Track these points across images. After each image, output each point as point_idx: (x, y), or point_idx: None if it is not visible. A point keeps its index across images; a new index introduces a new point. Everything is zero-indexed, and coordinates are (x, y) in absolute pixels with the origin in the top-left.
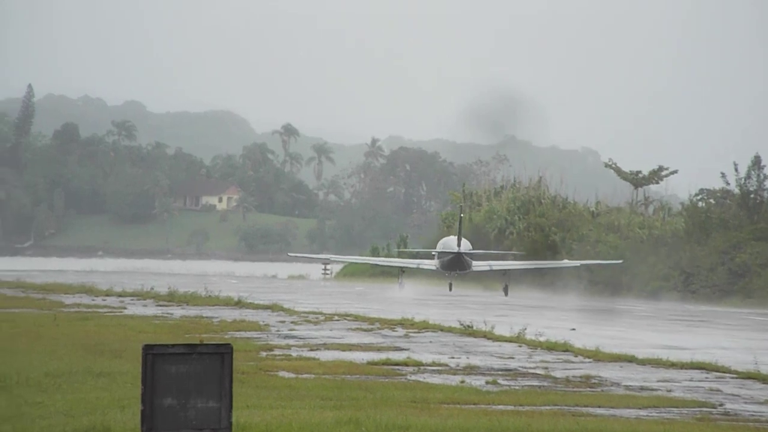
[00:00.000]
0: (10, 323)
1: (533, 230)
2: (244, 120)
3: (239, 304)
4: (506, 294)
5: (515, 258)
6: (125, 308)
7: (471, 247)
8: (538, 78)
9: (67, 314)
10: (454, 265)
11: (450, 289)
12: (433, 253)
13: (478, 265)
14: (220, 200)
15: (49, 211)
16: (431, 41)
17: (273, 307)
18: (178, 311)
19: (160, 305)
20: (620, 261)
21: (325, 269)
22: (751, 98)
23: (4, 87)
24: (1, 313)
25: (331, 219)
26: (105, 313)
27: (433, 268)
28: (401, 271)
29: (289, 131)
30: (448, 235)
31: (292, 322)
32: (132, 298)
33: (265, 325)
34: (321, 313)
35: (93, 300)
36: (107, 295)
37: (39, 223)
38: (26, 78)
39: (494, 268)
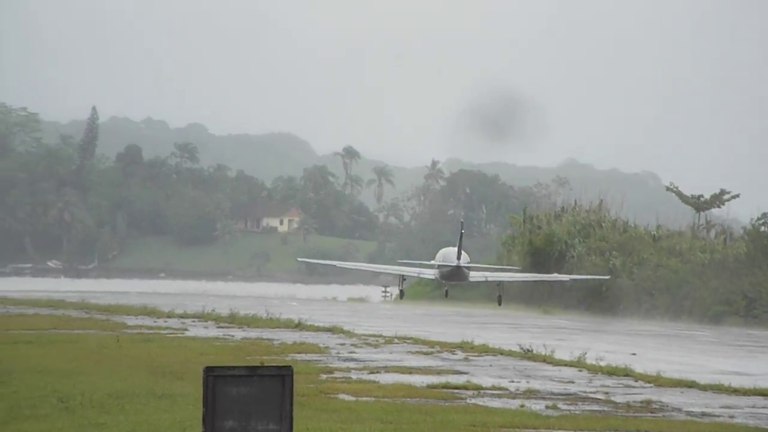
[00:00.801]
0: (74, 344)
1: (594, 254)
2: (305, 142)
3: (300, 326)
4: (500, 304)
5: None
6: (187, 330)
7: (469, 260)
8: (609, 105)
9: (129, 336)
10: (453, 276)
11: (446, 296)
12: (434, 263)
13: (474, 276)
14: (281, 222)
15: (113, 233)
16: (495, 63)
17: (333, 330)
18: (239, 333)
19: (222, 327)
20: (607, 277)
21: (385, 292)
22: None
23: (68, 109)
24: (66, 335)
25: (391, 241)
26: (167, 334)
27: (432, 277)
28: (402, 279)
29: (349, 153)
30: (509, 258)
31: (352, 345)
32: (193, 319)
33: (326, 347)
34: (381, 336)
35: (155, 321)
36: (169, 317)
37: (102, 245)
38: (90, 100)
39: (489, 279)
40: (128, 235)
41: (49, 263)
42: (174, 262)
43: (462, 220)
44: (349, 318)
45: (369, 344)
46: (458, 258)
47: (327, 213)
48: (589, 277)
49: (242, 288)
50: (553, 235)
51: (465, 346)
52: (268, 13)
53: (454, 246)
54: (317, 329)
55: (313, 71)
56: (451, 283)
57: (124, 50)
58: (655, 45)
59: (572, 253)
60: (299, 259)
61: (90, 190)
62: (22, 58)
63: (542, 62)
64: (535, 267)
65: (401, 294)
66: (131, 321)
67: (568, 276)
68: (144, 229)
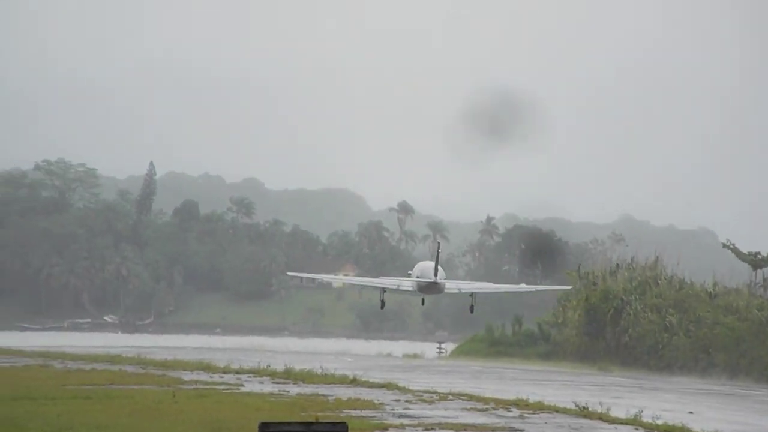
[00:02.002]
0: (130, 399)
1: (650, 311)
2: (360, 197)
3: (354, 382)
4: (472, 312)
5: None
6: (242, 385)
7: (445, 276)
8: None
9: (185, 391)
10: (430, 289)
11: (423, 303)
12: (410, 274)
13: (449, 288)
14: None
15: (169, 288)
16: (549, 122)
17: (388, 386)
18: (294, 389)
19: (277, 382)
20: (570, 287)
21: (440, 348)
22: None
23: (126, 165)
24: (122, 390)
25: (445, 297)
26: (222, 390)
27: (410, 289)
28: (383, 291)
29: (404, 209)
30: (563, 315)
31: (406, 401)
32: (249, 375)
33: (380, 403)
34: (435, 392)
35: (211, 377)
36: (225, 372)
37: (159, 300)
38: (148, 156)
39: (462, 290)
40: (184, 291)
41: (106, 318)
42: (230, 317)
43: (439, 241)
44: (403, 374)
45: (424, 401)
46: (435, 274)
47: (382, 268)
48: (552, 287)
49: (297, 343)
50: (609, 292)
51: (520, 404)
52: (322, 71)
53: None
54: (372, 385)
55: (369, 127)
56: (428, 294)
57: (182, 106)
58: (717, 102)
59: (628, 310)
60: (289, 273)
61: (147, 245)
62: (80, 114)
63: (604, 120)
64: (591, 324)
65: (382, 304)
66: (187, 376)
67: (534, 287)
68: (200, 284)
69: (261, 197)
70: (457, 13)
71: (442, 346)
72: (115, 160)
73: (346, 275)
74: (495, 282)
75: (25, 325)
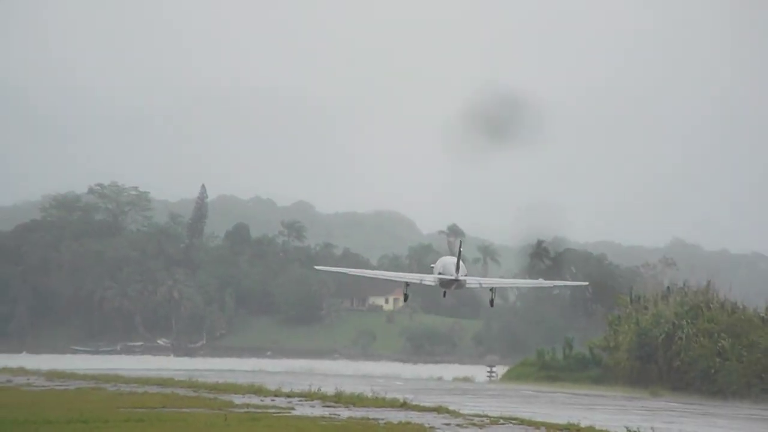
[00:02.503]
0: (182, 422)
1: (702, 336)
2: (411, 221)
3: (405, 405)
4: (492, 305)
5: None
6: (293, 409)
7: (466, 272)
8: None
9: (237, 414)
10: (451, 285)
11: (444, 296)
12: (433, 268)
13: (470, 283)
14: (387, 301)
15: (220, 311)
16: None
17: (438, 410)
18: (344, 412)
19: (327, 406)
20: (586, 283)
21: (491, 372)
22: None
23: (178, 188)
24: (175, 413)
25: (496, 321)
26: (274, 413)
27: (433, 283)
28: (406, 285)
29: (454, 232)
30: (614, 338)
31: (457, 425)
32: (300, 398)
33: (431, 427)
34: (486, 416)
35: (262, 400)
36: (276, 396)
37: (210, 323)
38: (200, 179)
39: (483, 285)
40: (236, 314)
41: (158, 341)
42: (280, 341)
43: (461, 240)
44: (454, 398)
45: (474, 425)
46: (457, 271)
47: (432, 292)
48: (566, 283)
49: (348, 367)
50: (661, 316)
51: (571, 428)
52: (372, 97)
53: (453, 256)
54: (423, 409)
55: (419, 150)
56: (449, 289)
57: (233, 130)
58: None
59: (680, 334)
60: (317, 267)
61: (199, 268)
62: (134, 137)
63: (654, 145)
64: (643, 348)
65: (405, 298)
66: (239, 399)
67: (551, 282)
68: (251, 307)
69: (312, 220)
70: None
71: (493, 369)
72: (168, 183)
73: (390, 299)
74: (544, 311)
75: (79, 348)
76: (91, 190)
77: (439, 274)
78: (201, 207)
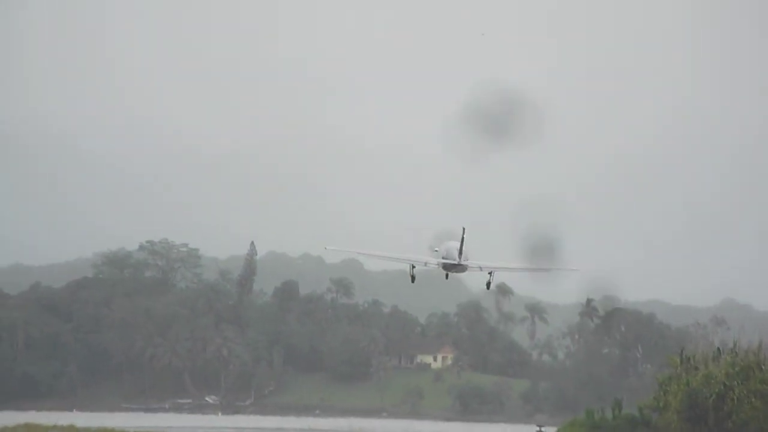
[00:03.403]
0: None
1: (754, 397)
2: (459, 278)
3: None
4: (488, 288)
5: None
6: None
7: (468, 257)
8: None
9: None
10: (453, 268)
11: (447, 278)
12: (437, 251)
13: (471, 266)
14: (435, 359)
15: (269, 369)
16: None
17: None
18: None
19: None
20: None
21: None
22: None
23: (228, 245)
24: None
25: (544, 380)
26: None
27: (436, 266)
28: (412, 267)
29: (502, 290)
30: (664, 399)
31: None
32: None
33: None
34: None
35: None
36: None
37: (259, 381)
38: (249, 236)
39: (483, 268)
40: (284, 371)
41: (207, 399)
42: (329, 399)
43: (464, 227)
44: None
45: None
46: (459, 255)
47: (480, 350)
48: (566, 269)
49: (396, 425)
50: (711, 377)
51: None
52: (418, 153)
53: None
54: None
55: (464, 206)
56: (451, 272)
57: (283, 187)
58: None
59: (731, 395)
60: (327, 247)
61: (247, 325)
62: (184, 195)
63: (706, 201)
64: (693, 409)
65: (412, 279)
66: None
67: (550, 268)
68: (300, 364)
69: (360, 278)
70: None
71: (542, 429)
72: (218, 240)
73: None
74: (593, 370)
75: (129, 406)
76: (142, 247)
77: (443, 258)
78: (250, 264)
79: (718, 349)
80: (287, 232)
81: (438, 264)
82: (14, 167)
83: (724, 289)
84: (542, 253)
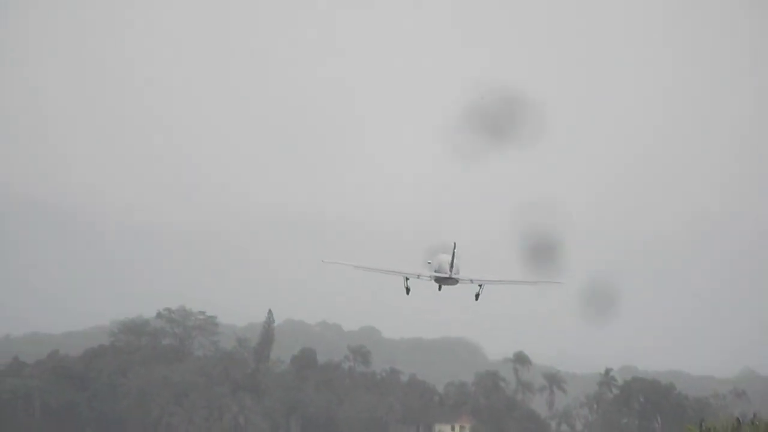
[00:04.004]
0: None
1: None
2: (477, 347)
3: None
4: (477, 299)
5: None
6: None
7: (459, 271)
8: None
9: None
10: (445, 281)
11: (439, 289)
12: (430, 264)
13: (462, 279)
14: (453, 428)
15: None
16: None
17: None
18: None
19: None
20: (560, 282)
21: None
22: None
23: (245, 312)
24: None
25: None
26: None
27: (428, 278)
28: (406, 279)
29: (520, 359)
30: None
31: None
32: None
33: None
34: None
35: None
36: None
37: None
38: (267, 303)
39: (474, 281)
40: None
41: None
42: None
43: (455, 242)
44: None
45: None
46: (450, 269)
47: (498, 419)
48: (552, 281)
49: None
50: None
51: None
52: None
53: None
54: None
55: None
56: (444, 285)
57: (300, 254)
58: None
59: None
60: (323, 260)
61: (265, 393)
62: (201, 262)
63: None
64: None
65: (407, 291)
66: None
67: (538, 280)
68: None
69: (378, 346)
70: None
71: None
72: (235, 307)
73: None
74: None
75: None
76: (159, 315)
77: (435, 271)
78: (268, 332)
79: (738, 420)
80: (304, 300)
81: (430, 277)
82: (31, 235)
83: (744, 359)
84: (542, 260)
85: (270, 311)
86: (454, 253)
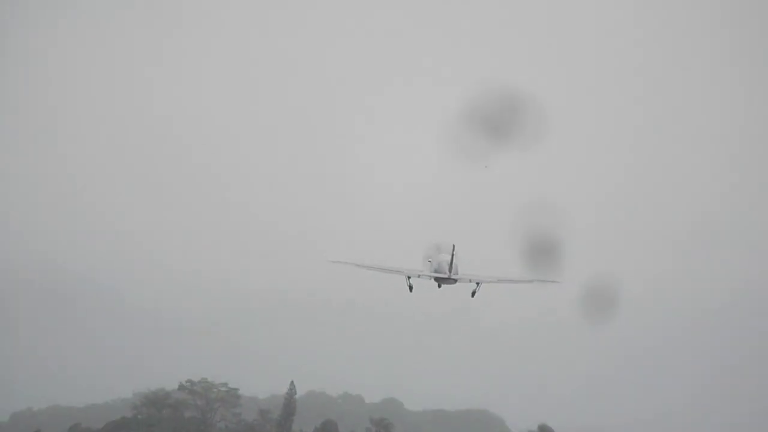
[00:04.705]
0: None
1: None
2: (500, 418)
3: None
4: (473, 296)
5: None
6: None
7: (458, 271)
8: None
9: None
10: (445, 281)
11: (439, 287)
12: (430, 263)
13: (461, 279)
14: None
15: None
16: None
17: None
18: None
19: None
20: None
21: None
22: None
23: (268, 384)
24: None
25: None
26: None
27: (429, 278)
28: (408, 278)
29: (543, 431)
30: None
31: None
32: None
33: None
34: None
35: None
36: None
37: None
38: (289, 375)
39: (472, 280)
40: None
41: None
42: None
43: (453, 244)
44: None
45: None
46: (449, 270)
47: None
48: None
49: None
50: None
51: None
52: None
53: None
54: None
55: (508, 345)
56: (443, 284)
57: (322, 326)
58: None
59: None
60: (329, 259)
61: None
62: (223, 334)
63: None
64: None
65: (410, 288)
66: None
67: (536, 279)
68: None
69: (400, 417)
70: None
71: None
72: (257, 379)
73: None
74: None
75: None
76: (181, 387)
77: (435, 271)
78: (290, 403)
79: None
80: (327, 371)
81: (430, 276)
82: (52, 308)
83: None
84: (542, 258)
85: (292, 382)
86: (453, 254)
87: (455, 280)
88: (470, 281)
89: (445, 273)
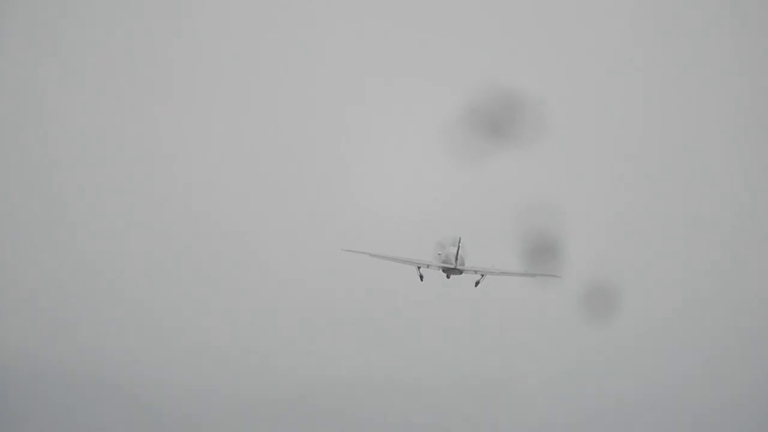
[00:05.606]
0: None
1: None
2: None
3: None
4: (476, 286)
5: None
6: None
7: (464, 263)
8: None
9: None
10: (452, 271)
11: (448, 278)
12: (440, 255)
13: (466, 270)
14: None
15: None
16: None
17: None
18: None
19: None
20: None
21: None
22: None
23: None
24: None
25: None
26: None
27: (437, 268)
28: (418, 267)
29: None
30: None
31: None
32: None
33: None
34: None
35: None
36: None
37: None
38: None
39: (477, 271)
40: None
41: None
42: None
43: (460, 237)
44: None
45: None
46: (456, 260)
47: None
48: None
49: None
50: None
51: None
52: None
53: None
54: None
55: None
56: (450, 274)
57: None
58: None
59: None
60: (342, 249)
61: None
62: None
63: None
64: None
65: (421, 278)
66: None
67: (539, 274)
68: None
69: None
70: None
71: None
72: None
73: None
74: None
75: None
76: None
77: (443, 262)
78: None
79: None
80: None
81: (439, 267)
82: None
83: None
84: (543, 257)
85: None
86: (459, 246)
87: (461, 271)
88: (475, 272)
89: (451, 264)
